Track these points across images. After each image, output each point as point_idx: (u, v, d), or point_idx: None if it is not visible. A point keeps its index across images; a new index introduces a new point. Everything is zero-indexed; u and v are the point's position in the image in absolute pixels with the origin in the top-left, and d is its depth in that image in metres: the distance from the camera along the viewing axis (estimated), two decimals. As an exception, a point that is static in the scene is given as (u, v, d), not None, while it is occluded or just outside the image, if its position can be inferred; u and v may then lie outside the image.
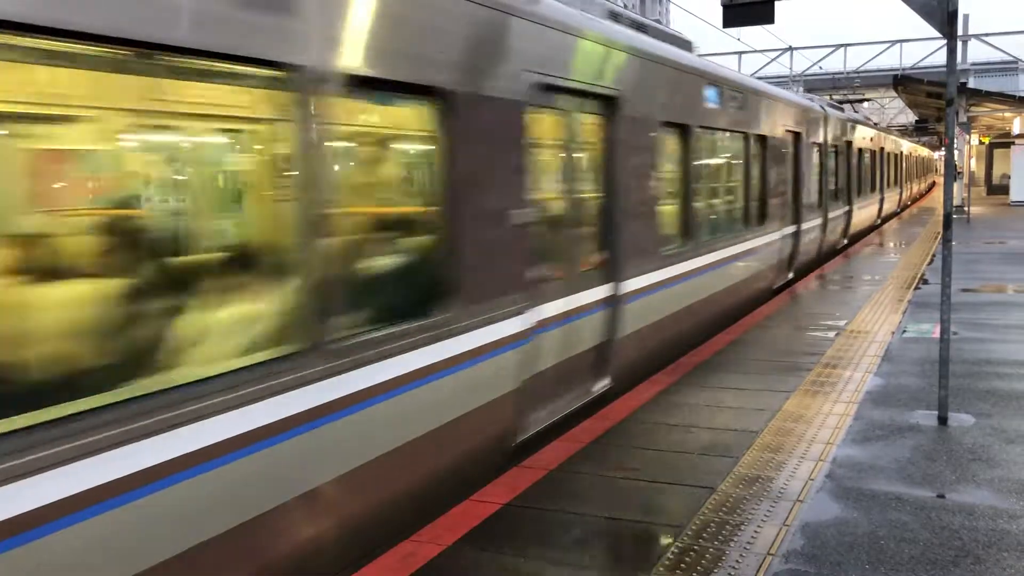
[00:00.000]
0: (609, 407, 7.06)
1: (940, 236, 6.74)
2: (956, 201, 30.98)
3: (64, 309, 3.25)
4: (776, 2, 7.70)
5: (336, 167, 4.39)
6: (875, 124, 30.32)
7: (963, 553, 4.40)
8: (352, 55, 4.35)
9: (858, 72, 45.54)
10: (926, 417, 6.71)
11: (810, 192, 15.52)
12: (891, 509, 4.97)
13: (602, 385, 7.26)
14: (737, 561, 4.34)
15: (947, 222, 6.75)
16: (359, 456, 4.43)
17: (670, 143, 8.56)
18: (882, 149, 26.53)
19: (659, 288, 8.18)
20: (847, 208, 20.08)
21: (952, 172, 6.92)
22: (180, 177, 3.77)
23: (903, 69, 40.83)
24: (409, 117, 5.11)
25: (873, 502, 5.08)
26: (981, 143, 41.68)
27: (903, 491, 5.24)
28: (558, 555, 4.46)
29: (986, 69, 43.28)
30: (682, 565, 4.31)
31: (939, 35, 6.50)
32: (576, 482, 5.45)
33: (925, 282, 14.04)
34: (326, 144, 4.19)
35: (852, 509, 4.98)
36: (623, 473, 5.60)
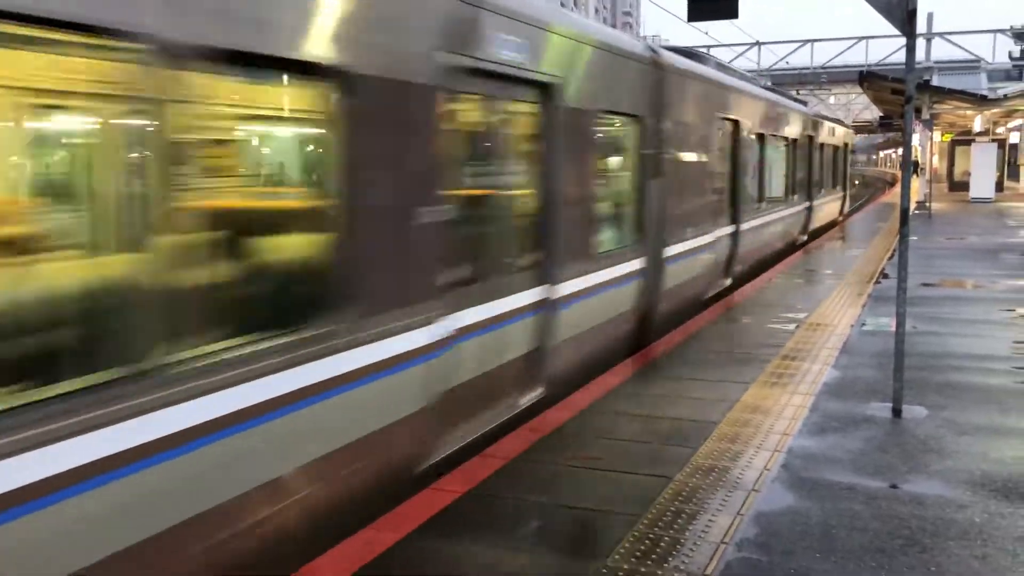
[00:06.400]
0: (570, 397, 7.12)
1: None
2: (919, 197, 31.46)
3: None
4: (740, -2, 7.80)
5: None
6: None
7: (911, 542, 4.50)
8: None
9: (825, 68, 45.99)
10: (881, 409, 6.83)
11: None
12: (843, 499, 5.07)
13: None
14: (691, 549, 4.42)
15: (904, 218, 6.86)
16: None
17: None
18: (811, 139, 20.24)
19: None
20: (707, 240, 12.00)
21: (910, 168, 7.03)
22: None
23: (869, 65, 41.31)
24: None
25: (826, 492, 5.18)
26: (943, 140, 42.28)
27: (856, 481, 5.35)
28: (515, 543, 4.51)
29: (949, 68, 43.85)
30: (637, 553, 4.37)
31: (899, 33, 6.61)
32: (536, 471, 5.50)
33: (885, 276, 14.26)
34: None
35: (805, 499, 5.07)
36: (582, 462, 5.66)
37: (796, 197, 18.74)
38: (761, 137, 14.99)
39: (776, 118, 16.32)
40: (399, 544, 4.47)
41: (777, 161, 16.97)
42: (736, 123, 13.14)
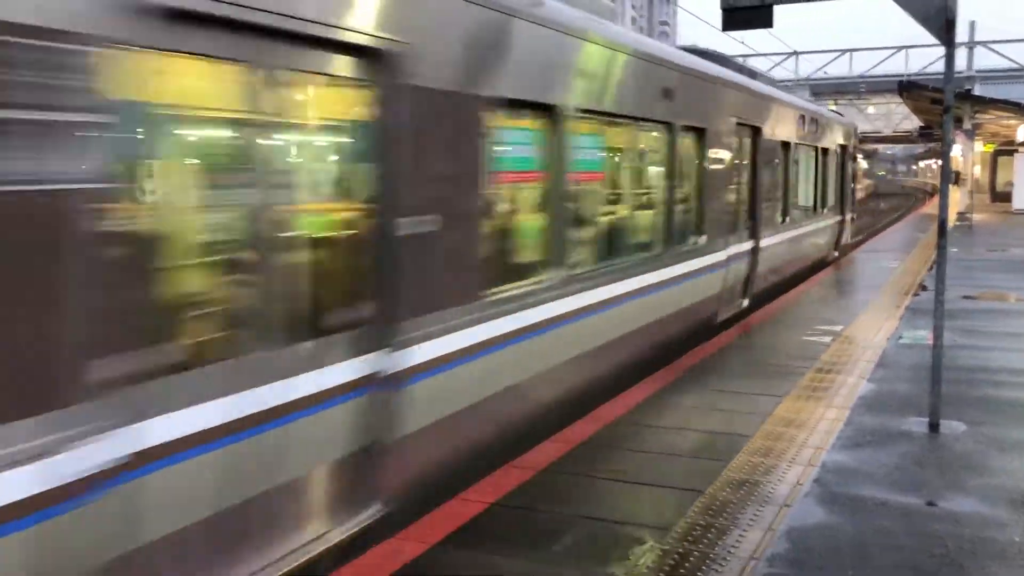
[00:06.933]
0: (600, 408, 7.06)
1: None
2: (960, 208, 30.94)
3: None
4: (775, 6, 7.70)
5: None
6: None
7: (947, 561, 4.39)
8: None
9: (863, 77, 45.51)
10: (918, 424, 6.70)
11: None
12: (877, 515, 4.96)
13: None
14: (721, 564, 4.34)
15: (942, 229, 6.74)
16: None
17: None
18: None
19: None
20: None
21: (948, 179, 6.90)
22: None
23: (909, 75, 40.79)
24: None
25: (860, 508, 5.07)
26: (985, 151, 41.59)
27: (890, 497, 5.23)
28: (541, 555, 4.46)
29: (993, 76, 43.14)
30: (665, 567, 4.31)
31: (939, 42, 6.50)
32: (563, 483, 5.45)
33: (924, 288, 14.02)
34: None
35: (838, 514, 4.97)
36: (611, 475, 5.60)
37: (717, 237, 10.51)
38: (591, 113, 7.22)
39: (658, 88, 8.63)
40: (424, 555, 4.44)
41: (665, 172, 9.10)
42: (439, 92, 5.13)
